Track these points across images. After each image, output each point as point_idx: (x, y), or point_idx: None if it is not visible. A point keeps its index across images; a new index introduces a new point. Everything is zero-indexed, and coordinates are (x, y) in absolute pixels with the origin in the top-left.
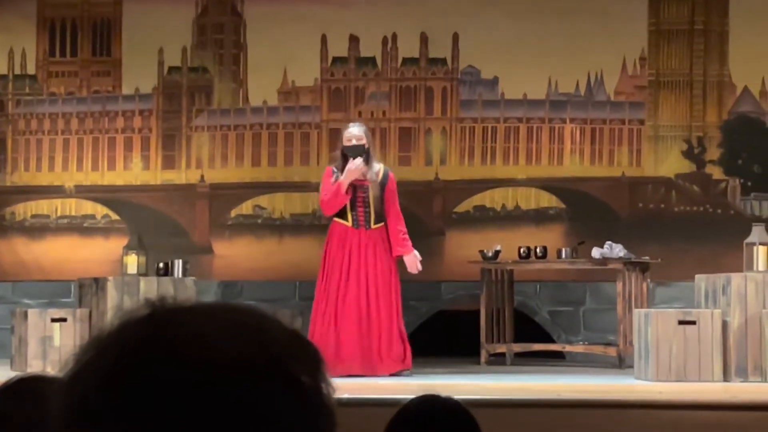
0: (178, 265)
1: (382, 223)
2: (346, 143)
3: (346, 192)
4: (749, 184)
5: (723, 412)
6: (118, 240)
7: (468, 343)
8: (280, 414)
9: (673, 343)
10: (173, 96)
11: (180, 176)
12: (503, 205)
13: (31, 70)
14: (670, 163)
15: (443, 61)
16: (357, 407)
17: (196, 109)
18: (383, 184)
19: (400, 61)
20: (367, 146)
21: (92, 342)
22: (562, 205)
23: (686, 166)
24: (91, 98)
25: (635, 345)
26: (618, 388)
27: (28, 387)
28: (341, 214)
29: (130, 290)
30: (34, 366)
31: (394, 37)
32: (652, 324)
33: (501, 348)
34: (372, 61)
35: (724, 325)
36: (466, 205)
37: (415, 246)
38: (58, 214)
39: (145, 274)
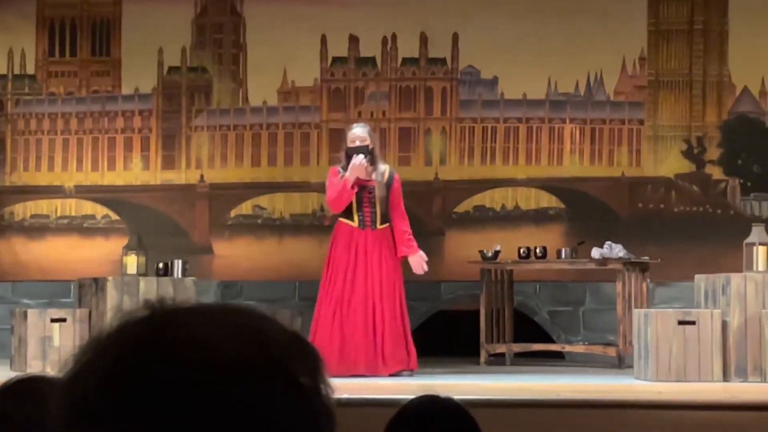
0: (178, 265)
1: (387, 224)
2: (350, 144)
3: (352, 187)
4: (749, 184)
5: (723, 412)
6: (118, 240)
7: (468, 343)
8: (279, 415)
9: (672, 343)
10: (173, 96)
11: (180, 176)
12: (503, 205)
13: (30, 69)
14: (669, 163)
15: (443, 61)
16: (357, 407)
17: (195, 109)
18: (389, 185)
19: (399, 61)
20: (371, 147)
21: (91, 343)
22: (562, 205)
23: (686, 166)
24: (91, 98)
25: (635, 345)
26: (618, 388)
27: (28, 387)
28: (347, 214)
29: (129, 290)
30: (34, 366)
31: (394, 37)
32: (651, 324)
33: (501, 348)
34: (372, 61)
35: (724, 326)
36: (465, 205)
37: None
38: (58, 214)
39: (145, 274)
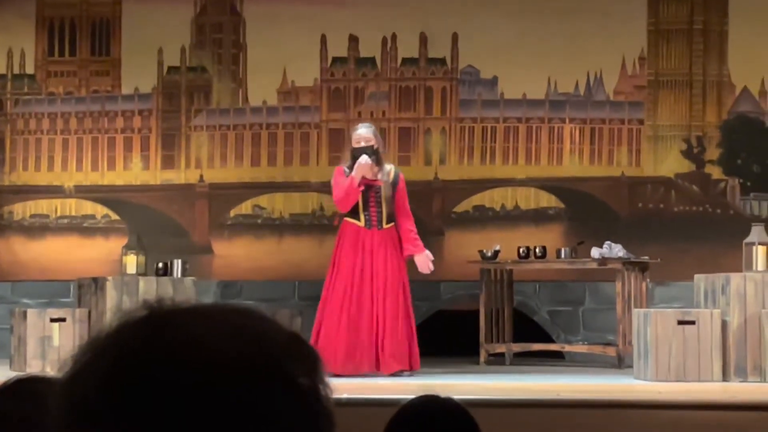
0: (178, 265)
1: (393, 224)
2: (355, 145)
3: (359, 186)
4: (748, 183)
5: (722, 412)
6: (118, 240)
7: (467, 343)
8: (279, 415)
9: (672, 343)
10: (172, 96)
11: (179, 176)
12: (502, 205)
13: (30, 69)
14: (669, 163)
15: (442, 61)
16: (357, 407)
17: (195, 109)
18: (394, 184)
19: (399, 61)
20: (375, 147)
21: (90, 343)
22: (562, 205)
23: (685, 166)
24: (90, 98)
25: (634, 345)
26: (617, 388)
27: (27, 387)
28: (353, 214)
29: (129, 290)
30: (33, 366)
31: (394, 37)
32: (651, 324)
33: (500, 348)
34: (371, 61)
35: (724, 325)
36: (465, 205)
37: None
38: (58, 214)
39: (144, 274)
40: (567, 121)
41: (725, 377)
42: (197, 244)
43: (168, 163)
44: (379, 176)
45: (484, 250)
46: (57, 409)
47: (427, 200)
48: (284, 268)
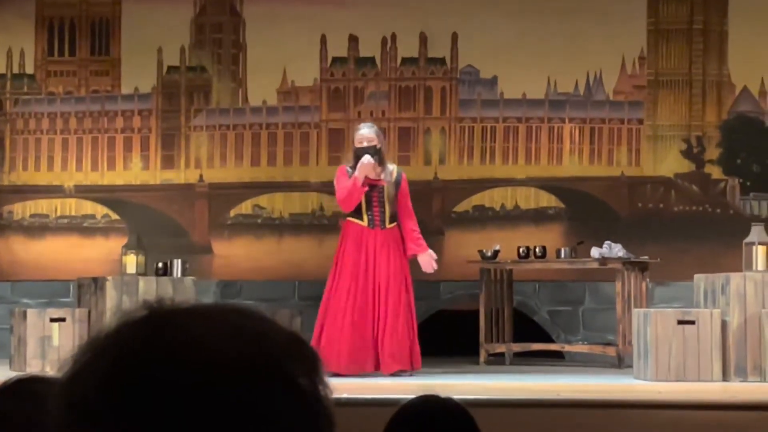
0: (177, 264)
1: (396, 223)
2: (357, 145)
3: (362, 185)
4: (748, 183)
5: (722, 411)
6: (118, 240)
7: (467, 343)
8: (279, 415)
9: (672, 343)
10: (172, 96)
11: (179, 176)
12: (502, 205)
13: (29, 69)
14: (669, 163)
15: (442, 60)
16: (357, 407)
17: (194, 109)
18: (397, 184)
19: (399, 61)
20: (378, 147)
21: (90, 343)
22: (562, 205)
23: (685, 166)
24: (90, 98)
25: (634, 345)
26: (617, 387)
27: (27, 388)
28: (356, 214)
29: (129, 290)
30: (33, 366)
31: (394, 37)
32: (651, 324)
33: (500, 348)
34: (371, 61)
35: (724, 325)
36: (465, 205)
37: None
38: (58, 213)
39: (144, 274)
40: (567, 120)
41: (725, 377)
42: (197, 244)
43: (168, 163)
44: (382, 176)
45: (484, 250)
46: (57, 409)
47: (426, 200)
48: (284, 268)
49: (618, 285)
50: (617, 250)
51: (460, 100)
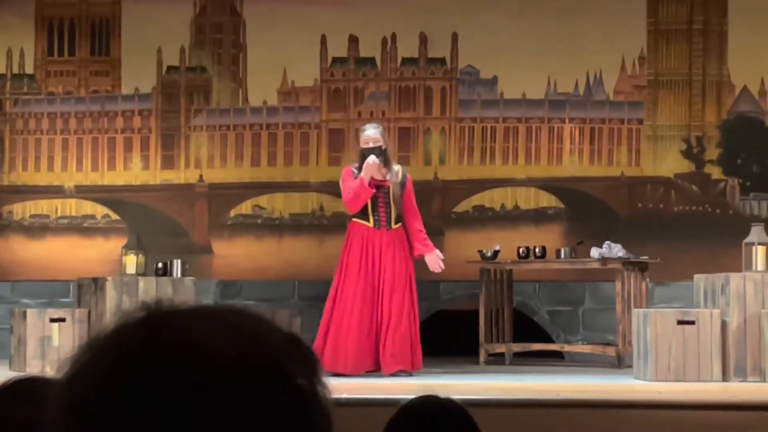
0: (177, 265)
1: (401, 224)
2: (363, 145)
3: (369, 186)
4: (748, 183)
5: (722, 412)
6: (118, 240)
7: (467, 343)
8: (278, 416)
9: (672, 343)
10: (172, 96)
11: (179, 176)
12: (502, 205)
13: (29, 69)
14: (669, 163)
15: (442, 61)
16: (357, 407)
17: (194, 109)
18: (402, 185)
19: (399, 61)
20: (384, 147)
21: (89, 344)
22: (561, 205)
23: (685, 166)
24: (90, 98)
25: (634, 345)
26: (617, 388)
27: (26, 388)
28: (362, 215)
29: (129, 290)
30: (33, 366)
31: (394, 37)
32: (651, 324)
33: (500, 348)
34: (371, 61)
35: (723, 325)
36: (465, 205)
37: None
38: (58, 214)
39: (144, 274)
40: (567, 121)
41: (725, 377)
42: (197, 244)
43: (168, 163)
44: (388, 177)
45: (484, 250)
46: (56, 409)
47: (426, 200)
48: (284, 268)
49: (618, 285)
50: (617, 250)
51: (460, 100)
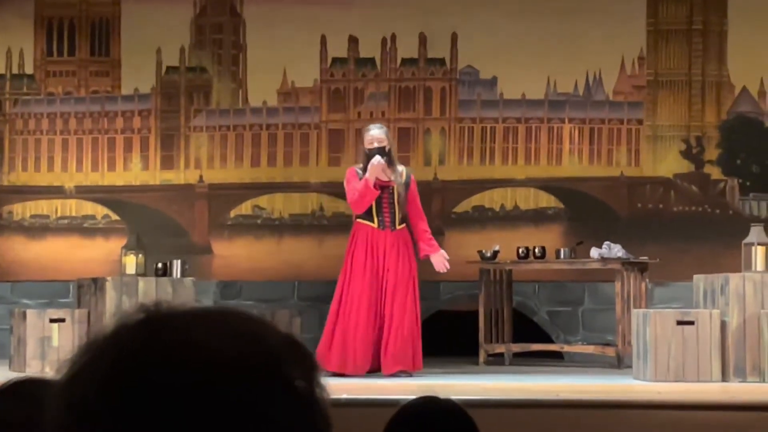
0: (177, 265)
1: (405, 224)
2: (367, 146)
3: (375, 187)
4: (748, 184)
5: (721, 412)
6: (118, 240)
7: (467, 343)
8: (277, 417)
9: (671, 344)
10: (172, 96)
11: (179, 176)
12: (502, 205)
13: (29, 69)
14: (668, 163)
15: (442, 61)
16: (357, 407)
17: (194, 109)
18: (407, 185)
19: (399, 61)
20: (388, 148)
21: (88, 345)
22: (561, 205)
23: (685, 166)
24: (90, 98)
25: (634, 345)
26: (616, 388)
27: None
28: (366, 215)
29: (128, 290)
30: (33, 366)
31: (393, 37)
32: (650, 324)
33: (499, 348)
34: (371, 61)
35: (723, 326)
36: (464, 206)
37: (414, 246)
38: (58, 214)
39: (144, 275)
40: (566, 121)
41: (724, 377)
42: (197, 245)
43: (167, 163)
44: (392, 177)
45: (484, 251)
46: (56, 409)
47: (426, 200)
48: (284, 269)
49: (617, 285)
50: (617, 250)
51: (459, 100)
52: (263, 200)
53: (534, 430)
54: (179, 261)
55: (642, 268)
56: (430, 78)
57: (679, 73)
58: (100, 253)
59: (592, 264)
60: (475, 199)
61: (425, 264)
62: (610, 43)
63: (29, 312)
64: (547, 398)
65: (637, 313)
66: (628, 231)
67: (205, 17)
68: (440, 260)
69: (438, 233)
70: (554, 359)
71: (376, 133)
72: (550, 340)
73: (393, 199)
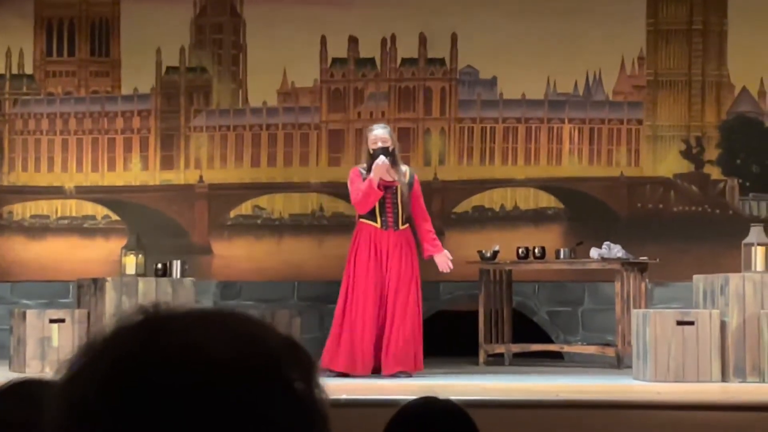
0: (177, 265)
1: (408, 224)
2: (371, 146)
3: (378, 188)
4: (747, 184)
5: (721, 412)
6: (118, 240)
7: (466, 344)
8: (276, 418)
9: (671, 344)
10: (171, 96)
11: (179, 176)
12: (502, 206)
13: (28, 69)
14: (668, 163)
15: (442, 61)
16: (357, 407)
17: (194, 110)
18: (410, 185)
19: (399, 61)
20: (392, 148)
21: (87, 346)
22: (561, 206)
23: (685, 166)
24: (90, 98)
25: (633, 345)
26: (616, 388)
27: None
28: (370, 215)
29: (128, 291)
30: (33, 367)
31: (393, 37)
32: (650, 324)
33: (499, 348)
34: (371, 61)
35: (723, 326)
36: (464, 206)
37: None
38: (58, 214)
39: (144, 275)
40: (566, 121)
41: (724, 378)
42: (197, 245)
43: (167, 163)
44: (396, 177)
45: (484, 251)
46: (56, 409)
47: (426, 200)
48: (284, 269)
49: (617, 285)
50: (616, 250)
51: (459, 100)
52: (263, 200)
53: (534, 430)
54: (179, 261)
55: (642, 268)
56: (430, 78)
57: (679, 73)
58: (100, 254)
59: (592, 264)
60: (475, 199)
61: (425, 264)
62: (610, 43)
63: (29, 312)
64: (547, 398)
65: (636, 314)
66: (628, 231)
67: (205, 17)
68: (444, 260)
69: (438, 233)
70: (554, 359)
71: (379, 133)
72: (550, 341)
73: (397, 199)
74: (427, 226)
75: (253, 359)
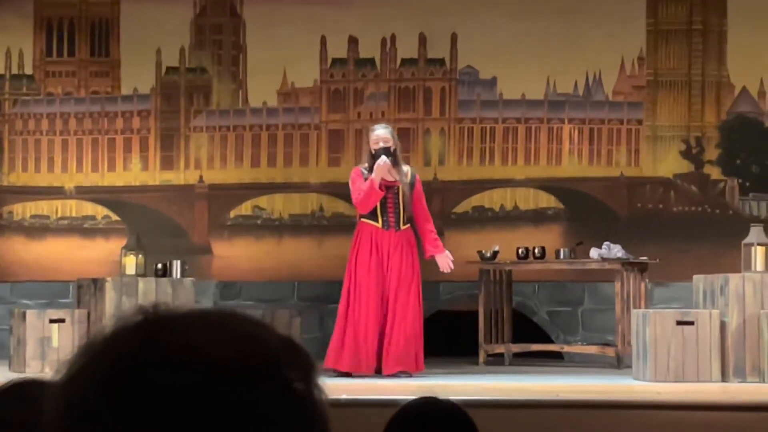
0: (177, 265)
1: (409, 225)
2: (373, 146)
3: (380, 188)
4: (747, 184)
5: (721, 412)
6: (118, 240)
7: (466, 344)
8: (276, 419)
9: (671, 344)
10: (171, 96)
11: (178, 177)
12: (502, 206)
13: (28, 69)
14: (668, 163)
15: (441, 61)
16: (357, 407)
17: (194, 110)
18: (412, 185)
19: (398, 62)
20: (393, 148)
21: (87, 347)
22: (561, 206)
23: (684, 166)
24: (90, 99)
25: (633, 345)
26: (616, 388)
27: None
28: (371, 215)
29: (128, 291)
30: (33, 367)
31: (393, 38)
32: (650, 324)
33: (499, 348)
34: (371, 62)
35: (722, 326)
36: (464, 206)
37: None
38: (58, 214)
39: (144, 275)
40: (566, 121)
41: (724, 378)
42: (197, 245)
43: (167, 163)
44: (398, 177)
45: (483, 251)
46: (56, 410)
47: (426, 201)
48: (284, 269)
49: (617, 285)
50: (616, 250)
51: (459, 100)
52: (263, 200)
53: (534, 430)
54: (179, 261)
55: (642, 269)
56: (430, 78)
57: (679, 73)
58: (100, 254)
59: (592, 264)
60: (475, 200)
61: (425, 264)
62: (610, 43)
63: (29, 312)
64: (547, 398)
65: (636, 314)
66: (628, 231)
67: (205, 17)
68: (445, 261)
69: (438, 233)
70: (554, 359)
71: (381, 133)
72: (549, 341)
73: (398, 199)
74: (428, 227)
75: (253, 359)
